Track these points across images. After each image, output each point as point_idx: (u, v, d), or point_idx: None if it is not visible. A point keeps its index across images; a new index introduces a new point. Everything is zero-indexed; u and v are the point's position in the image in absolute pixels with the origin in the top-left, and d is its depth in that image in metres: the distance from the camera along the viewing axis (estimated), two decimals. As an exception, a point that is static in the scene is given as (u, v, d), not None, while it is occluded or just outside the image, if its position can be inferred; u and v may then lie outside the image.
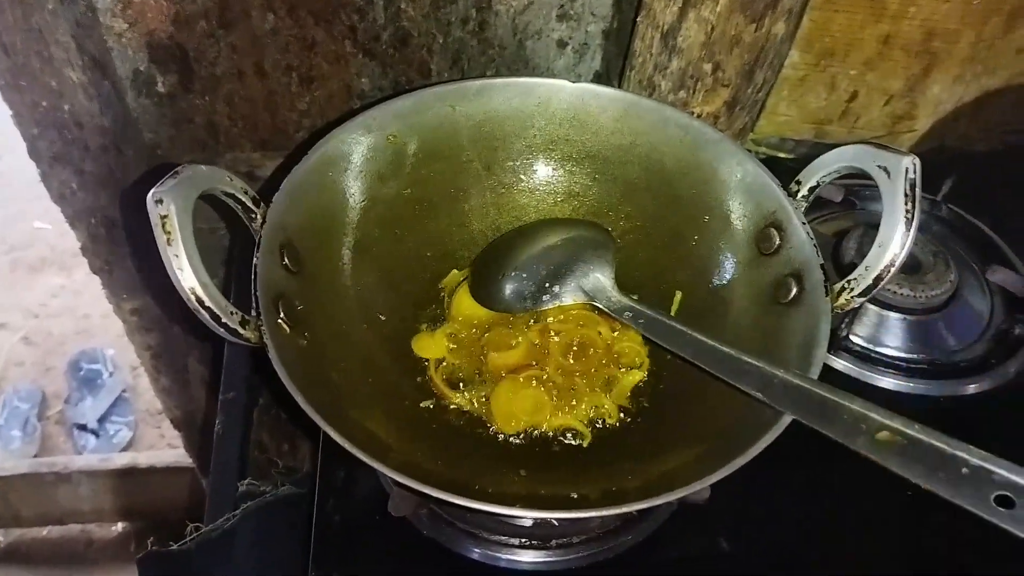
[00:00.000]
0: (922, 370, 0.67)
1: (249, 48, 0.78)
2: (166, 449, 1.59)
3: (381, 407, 0.50)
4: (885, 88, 0.87)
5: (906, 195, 0.44)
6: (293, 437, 0.69)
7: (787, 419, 0.41)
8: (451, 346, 0.57)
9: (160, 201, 0.40)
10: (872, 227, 0.70)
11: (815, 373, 0.43)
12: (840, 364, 0.68)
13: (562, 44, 0.80)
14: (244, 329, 0.43)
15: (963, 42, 0.84)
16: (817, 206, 0.50)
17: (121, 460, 1.42)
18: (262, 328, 0.43)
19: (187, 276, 0.41)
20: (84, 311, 1.86)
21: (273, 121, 0.86)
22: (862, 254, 0.66)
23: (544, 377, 0.55)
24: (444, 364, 0.57)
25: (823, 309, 0.46)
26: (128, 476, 1.41)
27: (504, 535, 0.54)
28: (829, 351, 0.68)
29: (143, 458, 1.43)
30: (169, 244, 0.40)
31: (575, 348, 0.57)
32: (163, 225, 0.40)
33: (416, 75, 0.81)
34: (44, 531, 1.49)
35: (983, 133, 0.94)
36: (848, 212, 0.73)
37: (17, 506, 1.43)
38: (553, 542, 0.54)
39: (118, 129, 0.82)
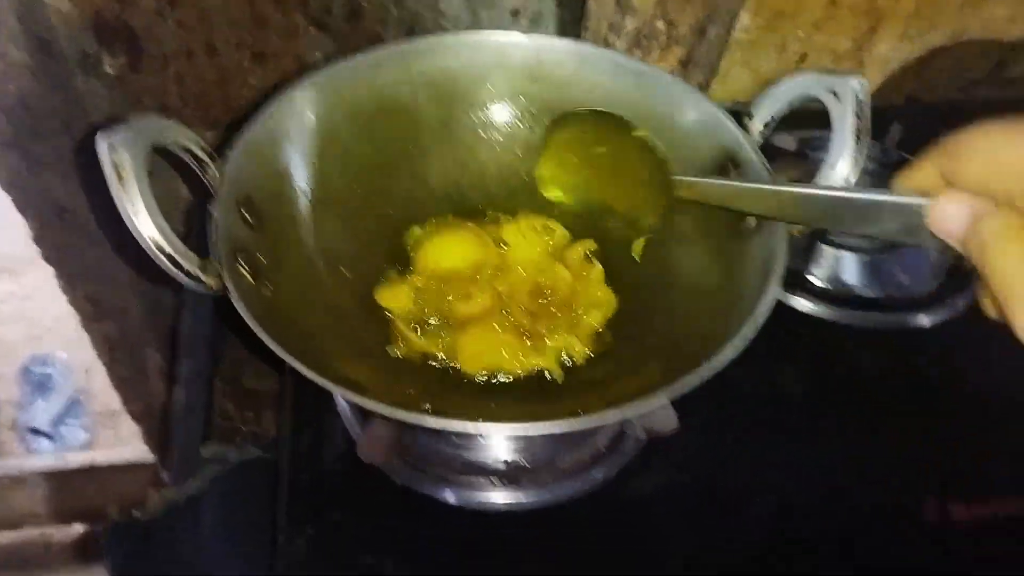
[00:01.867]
0: (878, 305, 0.70)
1: (198, 25, 0.77)
2: (123, 447, 1.56)
3: (348, 353, 0.50)
4: (833, 48, 0.89)
5: (856, 114, 0.45)
6: (258, 406, 0.68)
7: (747, 332, 0.42)
8: (415, 298, 0.57)
9: (113, 147, 0.39)
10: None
11: (774, 283, 0.44)
12: (801, 304, 0.70)
13: (515, 13, 0.80)
14: (204, 274, 0.42)
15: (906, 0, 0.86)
16: (770, 157, 0.51)
17: (78, 459, 1.39)
18: (222, 274, 0.43)
19: (143, 221, 0.40)
20: (34, 316, 1.81)
21: (225, 99, 0.85)
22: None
23: (510, 322, 0.55)
24: (409, 312, 0.57)
25: (779, 231, 0.47)
26: (86, 475, 1.38)
27: (474, 474, 0.54)
28: (789, 290, 0.70)
29: (101, 456, 1.39)
30: (123, 190, 0.39)
31: (541, 291, 0.58)
32: (116, 172, 0.39)
33: (369, 46, 0.81)
34: (1, 537, 1.45)
35: (928, 90, 0.96)
36: (801, 163, 0.75)
37: (-29, 513, 1.39)
38: (523, 479, 0.54)
39: (67, 111, 0.80)
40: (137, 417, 1.12)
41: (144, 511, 0.56)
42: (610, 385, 0.50)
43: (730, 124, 0.53)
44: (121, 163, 0.39)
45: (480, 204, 0.64)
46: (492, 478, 0.55)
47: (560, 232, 0.63)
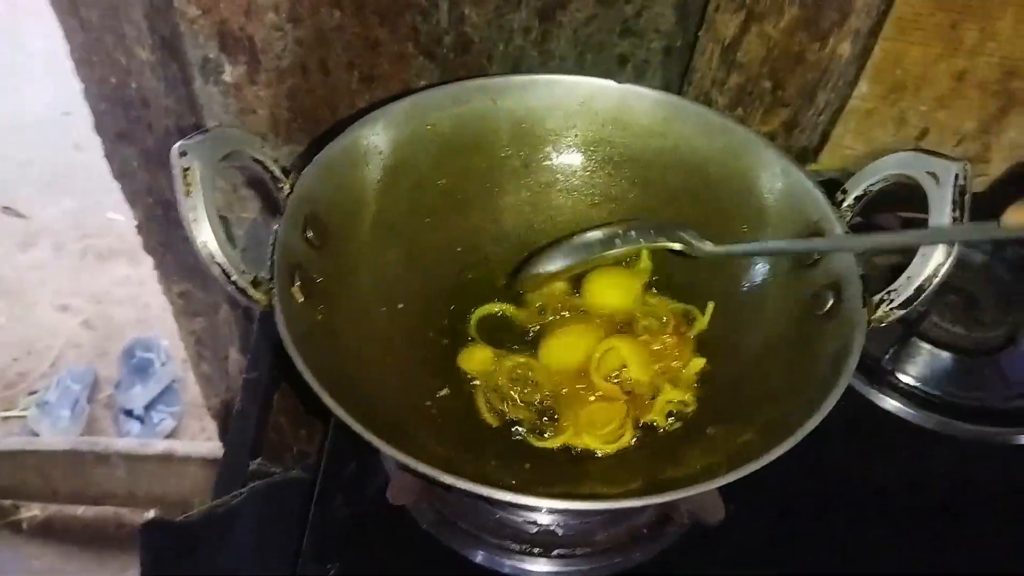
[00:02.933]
0: (977, 414, 0.63)
1: (315, 43, 0.79)
2: (206, 441, 1.61)
3: (393, 391, 0.49)
4: (957, 127, 0.84)
5: (954, 202, 0.42)
6: (311, 424, 0.68)
7: (809, 425, 0.39)
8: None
9: (184, 154, 0.40)
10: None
11: (843, 384, 0.40)
12: (889, 404, 0.64)
13: (623, 60, 0.79)
14: (255, 290, 0.42)
15: (1045, 83, 0.80)
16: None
17: (160, 447, 1.44)
18: (272, 291, 0.43)
19: (202, 229, 0.40)
20: (145, 301, 1.91)
21: (333, 117, 0.86)
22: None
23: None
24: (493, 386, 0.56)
25: (858, 320, 0.43)
26: (165, 463, 1.43)
27: (505, 538, 0.52)
28: (875, 387, 0.64)
29: (181, 447, 1.44)
30: (187, 195, 0.40)
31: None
32: (184, 177, 0.40)
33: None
34: (79, 510, 1.51)
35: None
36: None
37: (56, 482, 1.46)
38: (556, 551, 0.51)
39: (182, 112, 0.84)
40: (215, 414, 1.16)
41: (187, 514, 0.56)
42: (667, 459, 0.47)
43: (819, 195, 0.50)
44: (189, 169, 0.40)
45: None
46: (523, 544, 0.52)
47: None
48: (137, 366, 1.71)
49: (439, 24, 0.77)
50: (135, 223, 0.91)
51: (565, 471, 0.49)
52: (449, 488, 0.38)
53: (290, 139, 0.88)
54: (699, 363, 0.56)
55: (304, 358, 0.40)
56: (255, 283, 0.43)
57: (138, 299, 1.91)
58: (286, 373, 0.68)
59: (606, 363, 0.56)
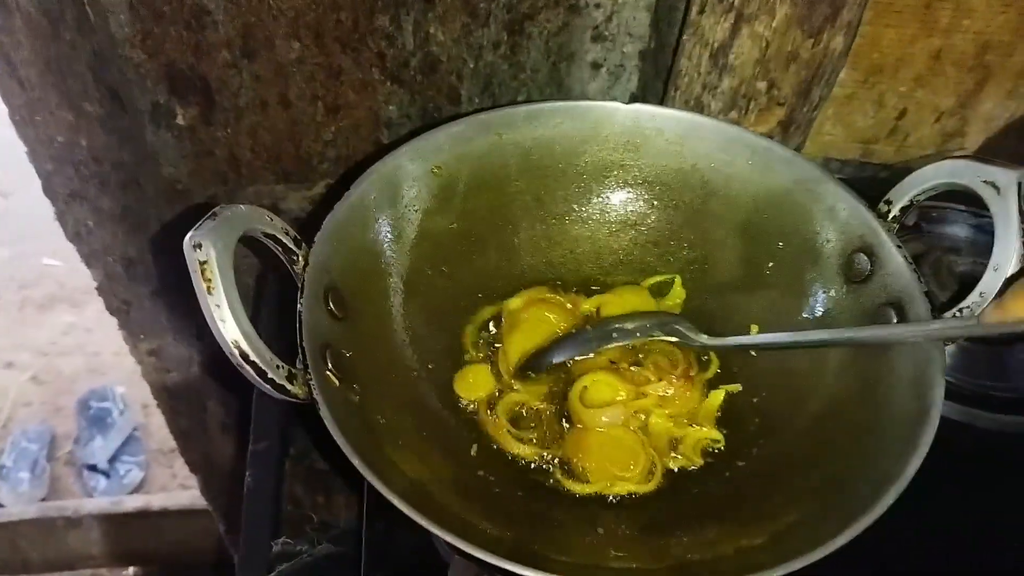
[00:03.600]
0: (1007, 404, 0.61)
1: (273, 78, 0.75)
2: (179, 490, 1.55)
3: (437, 462, 0.46)
4: (935, 105, 0.84)
5: (1022, 211, 0.40)
6: (328, 489, 0.64)
7: (896, 489, 0.37)
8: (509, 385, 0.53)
9: (198, 246, 0.36)
10: (947, 252, 0.67)
11: (935, 416, 0.38)
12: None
13: (596, 66, 0.77)
14: (292, 384, 0.38)
15: (1017, 55, 0.80)
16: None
17: (133, 503, 1.38)
18: (311, 383, 0.39)
19: (230, 328, 0.37)
20: (95, 349, 1.82)
21: (297, 152, 0.82)
22: (939, 282, 0.62)
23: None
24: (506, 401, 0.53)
25: (933, 344, 0.41)
26: (141, 519, 1.37)
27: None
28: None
29: (156, 500, 1.38)
30: (210, 293, 0.36)
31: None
32: (203, 272, 0.36)
33: (445, 101, 0.78)
34: (54, 577, 1.44)
35: (1035, 150, 0.90)
36: (916, 236, 0.69)
37: (26, 551, 1.38)
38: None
39: (136, 164, 0.79)
40: (195, 467, 1.10)
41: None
42: (719, 519, 0.45)
43: (864, 210, 0.48)
44: (207, 263, 0.36)
45: (571, 282, 0.59)
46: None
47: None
48: (95, 418, 1.63)
49: (404, 47, 0.73)
50: (95, 284, 0.85)
51: (633, 534, 0.47)
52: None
53: (253, 178, 0.84)
54: (719, 395, 0.55)
55: (358, 454, 0.37)
56: (290, 377, 0.39)
57: (86, 347, 1.83)
58: (298, 440, 0.64)
59: (590, 394, 0.54)
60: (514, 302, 0.58)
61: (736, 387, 0.55)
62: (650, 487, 0.51)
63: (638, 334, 0.54)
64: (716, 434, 0.53)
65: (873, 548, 0.44)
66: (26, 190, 2.01)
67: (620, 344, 0.55)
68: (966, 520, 0.59)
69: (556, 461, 0.52)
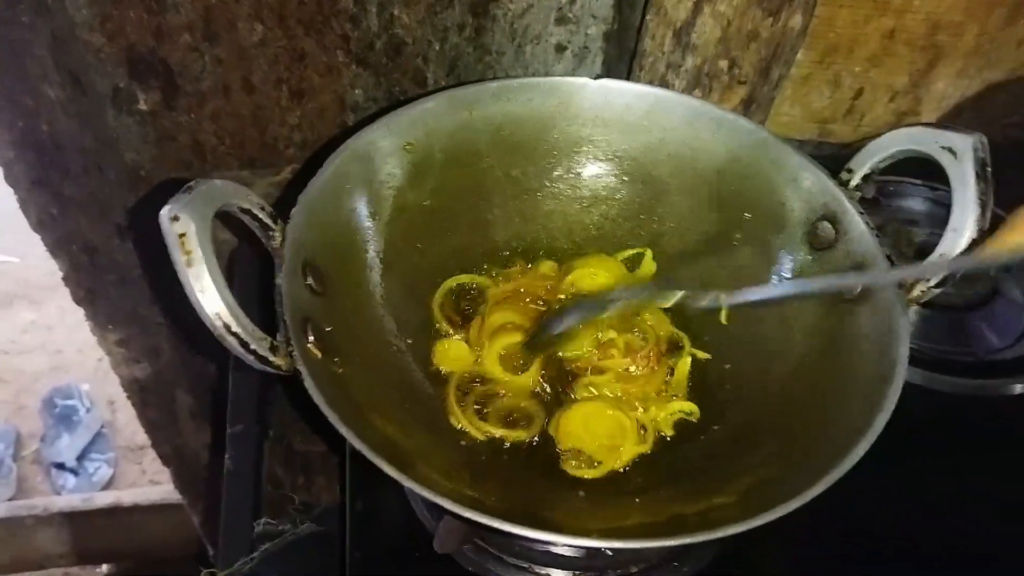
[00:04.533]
0: (967, 368, 0.64)
1: (236, 61, 0.75)
2: (149, 486, 1.53)
3: (421, 433, 0.47)
4: (890, 84, 0.86)
5: (977, 175, 0.42)
6: (308, 470, 0.64)
7: (861, 448, 0.38)
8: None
9: (176, 218, 0.36)
10: (905, 223, 0.69)
11: (901, 373, 0.40)
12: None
13: (560, 48, 0.78)
14: (274, 355, 0.39)
15: (967, 35, 0.83)
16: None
17: (104, 500, 1.36)
18: (293, 354, 0.39)
19: (210, 299, 0.37)
20: (57, 346, 1.79)
21: (262, 138, 0.82)
22: (899, 252, 0.64)
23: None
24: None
25: (897, 303, 0.43)
26: (112, 516, 1.35)
27: (556, 567, 0.50)
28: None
29: (127, 496, 1.36)
30: (189, 265, 0.36)
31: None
32: (182, 244, 0.36)
33: (411, 84, 0.78)
34: (24, 577, 1.42)
35: (985, 127, 0.93)
36: (875, 210, 0.71)
37: (-7, 552, 1.36)
38: (610, 573, 0.50)
39: (99, 149, 0.77)
40: (166, 459, 1.09)
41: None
42: (700, 476, 0.46)
43: (826, 178, 0.50)
44: (185, 235, 0.36)
45: (544, 256, 0.60)
46: (577, 571, 0.50)
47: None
48: (60, 416, 1.60)
49: (369, 29, 0.73)
50: (60, 274, 0.84)
51: (609, 496, 0.48)
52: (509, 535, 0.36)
53: (218, 164, 0.83)
54: (685, 363, 0.56)
55: (345, 423, 0.37)
56: (272, 348, 0.39)
57: (48, 345, 1.79)
58: (276, 421, 0.64)
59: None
60: (494, 292, 0.59)
61: (704, 355, 0.57)
62: (647, 447, 0.52)
63: (628, 297, 0.55)
64: (689, 406, 0.54)
65: (837, 508, 0.46)
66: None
67: (613, 310, 0.55)
68: (927, 482, 0.61)
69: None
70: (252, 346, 0.38)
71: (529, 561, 0.50)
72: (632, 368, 0.55)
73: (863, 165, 0.49)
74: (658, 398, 0.54)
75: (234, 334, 0.37)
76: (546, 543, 0.36)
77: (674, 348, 0.58)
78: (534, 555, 0.50)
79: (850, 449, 0.38)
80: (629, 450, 0.52)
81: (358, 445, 0.36)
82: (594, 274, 0.58)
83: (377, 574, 0.52)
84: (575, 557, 0.50)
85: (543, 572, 0.50)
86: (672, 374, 0.56)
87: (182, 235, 0.37)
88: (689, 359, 0.56)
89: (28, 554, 1.36)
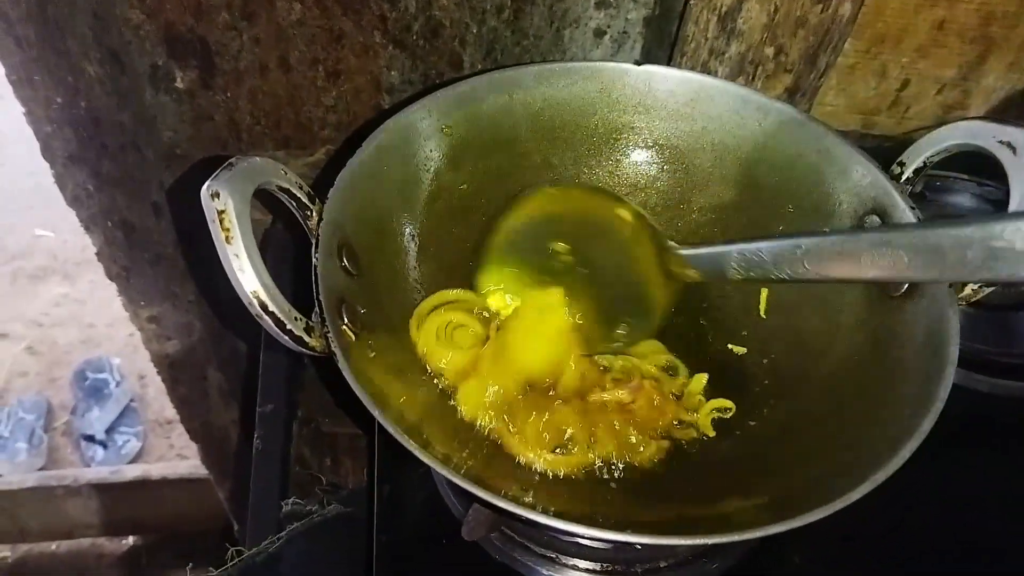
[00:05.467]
0: (1008, 369, 0.62)
1: (273, 41, 0.74)
2: (177, 460, 1.55)
3: (450, 424, 0.46)
4: (938, 76, 0.84)
5: (1039, 172, 0.40)
6: (335, 451, 0.65)
7: (910, 447, 0.37)
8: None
9: (216, 195, 0.36)
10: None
11: (950, 374, 0.39)
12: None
13: (600, 33, 0.76)
14: (309, 337, 0.38)
15: (1022, 27, 0.80)
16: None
17: (132, 472, 1.38)
18: (328, 335, 0.39)
19: (248, 278, 0.36)
20: (89, 320, 1.81)
21: (297, 118, 0.82)
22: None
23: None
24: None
25: (947, 301, 0.41)
26: (140, 488, 1.37)
27: (582, 559, 0.50)
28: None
29: (155, 470, 1.38)
30: (228, 242, 0.36)
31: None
32: (221, 221, 0.35)
33: (447, 67, 0.77)
34: (53, 545, 1.45)
35: (1035, 122, 0.90)
36: (922, 205, 0.69)
37: (24, 520, 1.39)
38: (638, 567, 0.49)
39: (136, 127, 0.78)
40: (195, 435, 1.10)
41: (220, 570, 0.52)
42: (736, 473, 0.45)
43: (877, 171, 0.48)
44: (225, 212, 0.35)
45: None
46: (602, 562, 0.50)
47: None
48: (91, 389, 1.63)
49: (407, 10, 0.73)
50: (95, 250, 0.85)
51: (641, 490, 0.47)
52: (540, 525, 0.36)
53: (253, 144, 0.83)
54: (701, 379, 0.54)
55: (379, 406, 0.37)
56: (307, 329, 0.39)
57: (80, 318, 1.82)
58: (306, 402, 0.64)
59: None
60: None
61: (741, 349, 0.56)
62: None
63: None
64: (724, 402, 0.53)
65: (872, 508, 0.45)
66: (14, 161, 1.99)
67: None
68: (964, 483, 0.60)
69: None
70: (288, 326, 0.38)
71: (556, 551, 0.49)
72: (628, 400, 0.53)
73: (916, 159, 0.47)
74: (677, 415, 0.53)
75: (271, 314, 0.37)
76: (576, 535, 0.36)
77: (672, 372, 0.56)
78: (561, 545, 0.50)
79: (895, 451, 0.37)
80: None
81: (392, 430, 0.36)
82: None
83: (403, 557, 0.51)
84: (602, 549, 0.50)
85: (570, 563, 0.50)
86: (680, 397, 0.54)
87: (222, 212, 0.36)
88: (705, 376, 0.54)
89: (57, 523, 1.39)
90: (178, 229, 0.85)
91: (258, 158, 0.41)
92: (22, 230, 1.95)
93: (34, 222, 1.94)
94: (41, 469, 1.51)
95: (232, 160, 0.39)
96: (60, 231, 1.90)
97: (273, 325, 0.37)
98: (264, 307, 0.37)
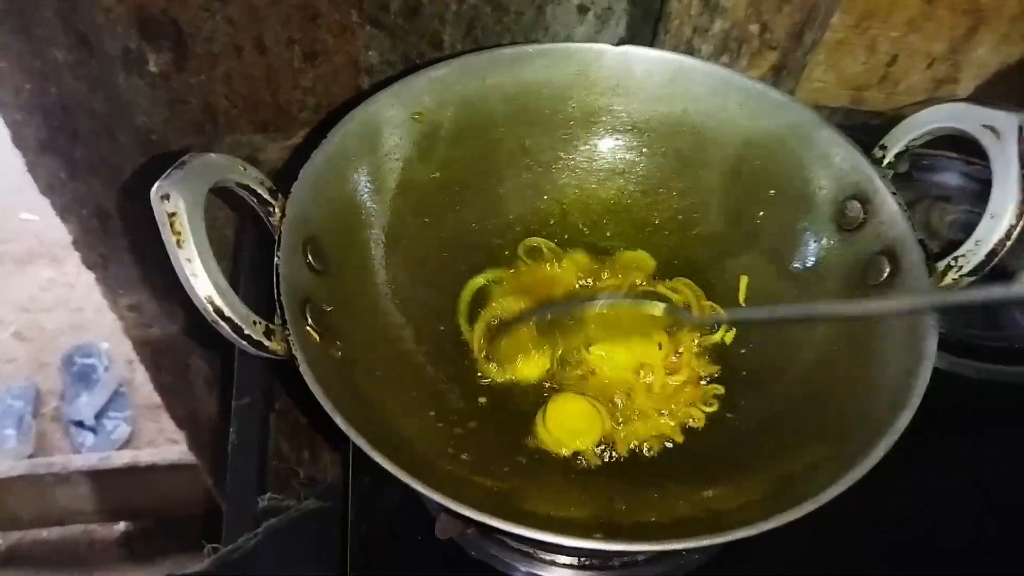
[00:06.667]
0: (996, 354, 0.60)
1: (248, 21, 0.72)
2: (167, 445, 1.54)
3: (424, 417, 0.45)
4: (928, 50, 0.82)
5: (1022, 156, 0.39)
6: (313, 444, 0.64)
7: (885, 444, 0.36)
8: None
9: (167, 197, 0.34)
10: (938, 200, 0.66)
11: (928, 366, 0.38)
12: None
13: (583, 9, 0.74)
14: (270, 340, 0.37)
15: (1013, -2, 0.79)
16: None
17: (121, 459, 1.38)
18: (290, 339, 0.38)
19: (202, 283, 0.35)
20: (77, 304, 1.80)
21: (275, 100, 0.80)
22: (930, 230, 0.61)
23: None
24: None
25: (924, 290, 0.40)
26: (129, 475, 1.37)
27: (560, 553, 0.49)
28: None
29: (144, 456, 1.38)
30: (179, 246, 0.34)
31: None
32: (171, 225, 0.34)
33: (427, 47, 0.75)
34: (44, 532, 1.45)
35: (1025, 95, 0.89)
36: (908, 184, 0.67)
37: (15, 508, 1.38)
38: (616, 561, 0.49)
39: (109, 113, 0.76)
40: (180, 422, 1.09)
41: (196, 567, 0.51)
42: (714, 470, 0.44)
43: (859, 155, 0.47)
44: (176, 215, 0.34)
45: (556, 233, 0.57)
46: (583, 559, 0.49)
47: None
48: (80, 374, 1.61)
49: (384, -12, 0.71)
50: (71, 238, 0.83)
51: (615, 486, 0.46)
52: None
53: (231, 128, 0.81)
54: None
55: (341, 412, 0.35)
56: (267, 333, 0.37)
57: (68, 303, 1.80)
58: (284, 395, 0.63)
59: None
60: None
61: (730, 335, 0.55)
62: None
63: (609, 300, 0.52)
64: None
65: (858, 496, 0.44)
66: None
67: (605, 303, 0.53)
68: (953, 469, 0.59)
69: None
70: (246, 331, 0.36)
71: (533, 547, 0.49)
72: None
73: (898, 142, 0.46)
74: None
75: (227, 319, 0.36)
76: (545, 544, 0.35)
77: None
78: (537, 542, 0.49)
79: (874, 444, 0.36)
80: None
81: (354, 437, 0.35)
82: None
83: (379, 553, 0.51)
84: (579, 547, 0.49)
85: (547, 558, 0.49)
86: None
87: (172, 215, 0.35)
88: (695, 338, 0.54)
89: (48, 510, 1.39)
90: (154, 217, 0.84)
91: (214, 155, 0.39)
92: (7, 214, 1.93)
93: (20, 206, 1.92)
94: (30, 456, 1.50)
95: (185, 158, 0.37)
96: (46, 215, 1.88)
97: (230, 331, 0.36)
98: (220, 312, 0.36)
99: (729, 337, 0.54)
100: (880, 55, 0.82)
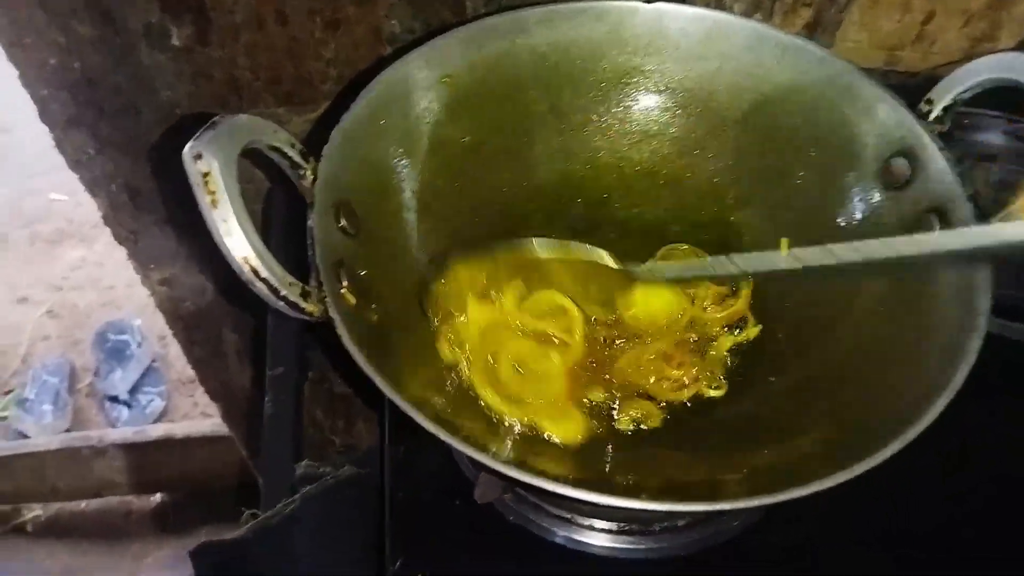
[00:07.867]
0: None
1: (268, -8, 0.72)
2: (200, 418, 1.56)
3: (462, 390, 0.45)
4: (964, 7, 0.80)
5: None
6: (348, 413, 0.64)
7: (939, 404, 0.35)
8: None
9: (199, 156, 0.34)
10: (982, 159, 0.64)
11: (982, 327, 0.37)
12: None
13: (610, -31, 0.73)
14: (306, 302, 0.37)
15: (1057, -54, 0.76)
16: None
17: (156, 432, 1.40)
18: (326, 300, 0.37)
19: (237, 243, 0.35)
20: (108, 282, 1.82)
21: (297, 72, 0.79)
22: (975, 189, 0.59)
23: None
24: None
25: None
26: (164, 447, 1.39)
27: (598, 518, 0.49)
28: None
29: (179, 429, 1.40)
30: (214, 206, 0.34)
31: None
32: (206, 184, 0.34)
33: (450, 14, 0.74)
34: (82, 504, 1.47)
35: (1070, 53, 0.86)
36: (950, 143, 0.65)
37: (53, 480, 1.41)
38: (656, 526, 0.48)
39: (133, 88, 0.76)
40: (214, 395, 1.11)
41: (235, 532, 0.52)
42: (755, 433, 0.44)
43: (904, 110, 0.45)
44: (209, 174, 0.34)
45: (588, 197, 0.56)
46: (621, 523, 0.49)
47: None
48: (113, 350, 1.64)
49: (405, -45, 0.70)
50: (100, 214, 0.84)
51: (658, 452, 0.46)
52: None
53: (254, 101, 0.81)
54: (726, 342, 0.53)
55: (381, 373, 0.35)
56: (304, 294, 0.37)
57: (99, 281, 1.83)
58: (317, 363, 0.63)
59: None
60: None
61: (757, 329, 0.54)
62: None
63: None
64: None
65: (900, 461, 0.43)
66: (26, 125, 1.97)
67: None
68: (997, 431, 0.58)
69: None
70: (282, 292, 0.36)
71: (571, 511, 0.49)
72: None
73: (945, 95, 0.44)
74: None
75: (263, 279, 0.36)
76: (588, 503, 0.35)
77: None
78: (576, 506, 0.49)
79: (925, 408, 0.35)
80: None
81: (393, 397, 0.35)
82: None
83: (417, 518, 0.51)
84: (619, 508, 0.49)
85: (585, 523, 0.49)
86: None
87: (206, 174, 0.35)
88: (728, 341, 0.53)
89: (85, 483, 1.41)
90: (185, 190, 0.84)
91: (245, 116, 0.39)
92: (38, 194, 1.96)
93: (48, 186, 1.94)
94: (67, 431, 1.53)
95: (216, 119, 0.37)
96: (75, 194, 1.90)
97: (267, 291, 0.36)
98: (256, 272, 0.35)
99: (754, 332, 0.53)
100: (915, 12, 0.80)
